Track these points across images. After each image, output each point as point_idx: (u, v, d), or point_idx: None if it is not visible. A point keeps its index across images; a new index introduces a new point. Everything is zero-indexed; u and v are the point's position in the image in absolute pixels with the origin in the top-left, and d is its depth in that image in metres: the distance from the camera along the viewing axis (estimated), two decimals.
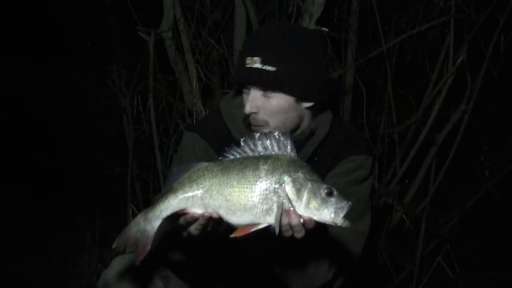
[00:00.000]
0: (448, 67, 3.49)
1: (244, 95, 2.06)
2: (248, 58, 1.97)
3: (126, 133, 4.15)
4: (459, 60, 3.42)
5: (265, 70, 1.94)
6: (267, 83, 1.96)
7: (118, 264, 2.20)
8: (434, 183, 3.79)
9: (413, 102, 3.74)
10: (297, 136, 2.13)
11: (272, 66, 1.94)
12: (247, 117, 2.02)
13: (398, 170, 3.71)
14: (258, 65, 1.95)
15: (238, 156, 1.66)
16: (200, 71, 3.74)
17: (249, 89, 2.01)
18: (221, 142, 2.10)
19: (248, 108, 1.99)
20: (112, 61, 4.08)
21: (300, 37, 2.03)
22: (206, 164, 1.67)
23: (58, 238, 4.71)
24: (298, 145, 2.12)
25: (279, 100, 1.99)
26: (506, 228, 4.04)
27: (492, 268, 3.99)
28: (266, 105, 2.00)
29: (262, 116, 2.01)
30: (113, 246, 1.69)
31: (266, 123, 2.02)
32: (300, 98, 2.05)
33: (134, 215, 3.72)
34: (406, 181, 3.83)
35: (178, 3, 3.66)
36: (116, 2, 4.51)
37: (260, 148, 1.65)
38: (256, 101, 1.99)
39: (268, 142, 1.65)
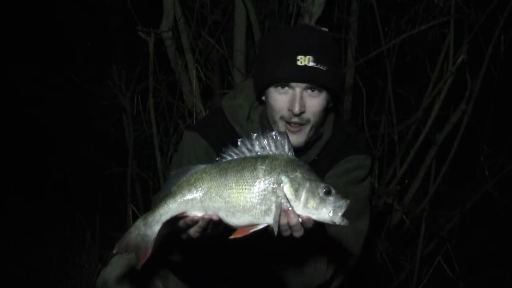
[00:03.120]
0: (448, 67, 3.49)
1: (278, 94, 2.06)
2: (300, 56, 1.99)
3: (126, 133, 4.14)
4: (459, 60, 3.42)
5: (318, 68, 1.99)
6: (319, 82, 2.01)
7: (117, 263, 2.21)
8: (434, 183, 3.79)
9: (413, 102, 3.74)
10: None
11: (324, 65, 2.00)
12: (296, 115, 2.03)
13: (398, 170, 3.71)
14: (312, 64, 1.99)
15: (235, 157, 1.66)
16: (200, 71, 3.73)
17: (291, 87, 2.02)
18: (222, 141, 2.10)
19: (298, 108, 2.00)
20: (112, 61, 4.08)
21: (330, 38, 2.13)
22: (203, 166, 1.67)
23: (58, 238, 4.71)
24: (305, 148, 2.14)
25: (322, 99, 2.06)
26: (506, 228, 4.03)
27: (492, 268, 3.98)
28: (311, 103, 2.04)
29: (307, 115, 2.04)
30: (114, 252, 1.70)
31: (309, 122, 2.06)
32: (334, 97, 2.13)
33: (134, 215, 3.77)
34: (406, 181, 3.83)
35: (178, 3, 3.66)
36: (116, 2, 4.51)
37: (257, 148, 1.65)
38: (304, 99, 2.02)
39: (265, 141, 1.65)
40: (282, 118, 2.07)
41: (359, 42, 3.73)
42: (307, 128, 2.08)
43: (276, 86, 2.05)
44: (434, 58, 3.64)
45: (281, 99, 2.05)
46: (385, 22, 3.62)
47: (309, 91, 2.02)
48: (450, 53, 3.48)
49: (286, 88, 2.03)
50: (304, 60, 1.98)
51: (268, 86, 2.08)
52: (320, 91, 2.03)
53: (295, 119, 2.04)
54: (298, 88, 2.01)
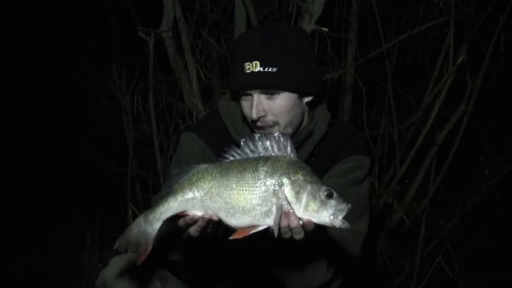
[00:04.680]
0: (448, 67, 3.49)
1: (243, 101, 2.06)
2: (247, 63, 1.97)
3: (126, 133, 4.15)
4: (459, 60, 3.42)
5: (267, 72, 1.96)
6: (271, 85, 1.97)
7: (116, 264, 2.21)
8: (434, 183, 3.79)
9: (413, 102, 3.74)
10: (296, 137, 2.13)
11: (273, 67, 1.95)
12: (254, 121, 2.02)
13: (398, 170, 3.71)
14: (259, 69, 1.96)
15: (238, 157, 1.65)
16: (200, 71, 3.74)
17: (250, 94, 2.01)
18: (220, 142, 2.11)
19: (255, 113, 1.98)
20: (112, 61, 4.08)
21: (288, 34, 2.07)
22: (205, 166, 1.66)
23: (58, 238, 4.72)
24: (296, 146, 2.13)
25: (284, 99, 2.01)
26: (506, 228, 4.03)
27: (492, 268, 3.98)
28: (272, 106, 2.01)
29: (270, 117, 2.02)
30: (115, 248, 1.70)
31: (276, 123, 2.04)
32: (302, 94, 2.07)
33: (134, 215, 3.77)
34: (406, 181, 3.83)
35: (178, 3, 3.66)
36: (116, 2, 4.52)
37: (260, 149, 1.64)
38: (262, 104, 2.00)
39: (268, 143, 1.64)
40: (252, 122, 2.07)
41: (359, 42, 3.73)
42: (276, 130, 2.03)
43: (240, 95, 2.06)
44: (434, 58, 3.64)
45: (245, 105, 2.06)
46: (385, 22, 3.61)
47: (267, 95, 2.00)
48: (450, 53, 3.49)
49: (247, 95, 2.03)
50: (251, 66, 1.96)
51: (236, 95, 2.11)
52: (277, 92, 2.00)
53: (258, 124, 2.03)
54: (254, 94, 1.99)
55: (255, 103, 1.99)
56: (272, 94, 1.99)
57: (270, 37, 2.01)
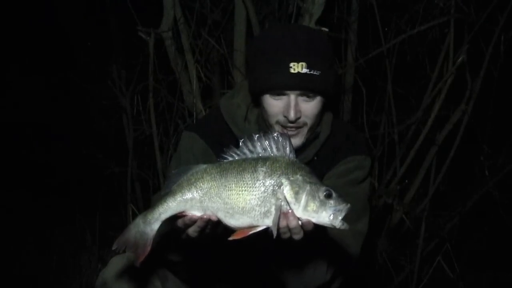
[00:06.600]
0: (448, 67, 3.49)
1: (273, 100, 2.05)
2: (293, 63, 1.96)
3: (126, 133, 4.14)
4: (459, 60, 3.42)
5: (312, 74, 1.96)
6: (314, 88, 1.99)
7: (116, 263, 2.21)
8: (434, 183, 3.78)
9: (413, 102, 3.74)
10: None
11: (318, 70, 1.97)
12: (292, 121, 2.02)
13: (398, 170, 3.71)
14: (305, 70, 1.96)
15: (237, 158, 1.65)
16: (200, 71, 3.73)
17: (285, 94, 2.01)
18: (220, 142, 2.11)
19: (293, 115, 1.99)
20: (112, 61, 4.08)
21: (324, 39, 2.10)
22: (204, 166, 1.66)
23: (58, 238, 4.71)
24: (302, 148, 2.14)
25: (318, 103, 2.05)
26: (506, 228, 4.03)
27: (492, 268, 3.98)
28: (307, 108, 2.03)
29: (302, 119, 2.04)
30: (113, 248, 1.70)
31: (306, 124, 2.07)
32: (329, 99, 2.11)
33: (134, 215, 3.76)
34: (406, 181, 3.82)
35: (178, 3, 3.65)
36: (116, 2, 4.51)
37: (259, 149, 1.64)
38: (299, 105, 2.01)
39: (267, 143, 1.64)
40: (277, 122, 2.07)
41: (359, 42, 3.72)
42: (305, 131, 2.08)
43: (271, 93, 2.04)
44: (434, 58, 3.64)
45: (276, 104, 2.04)
46: (385, 22, 3.61)
47: (304, 96, 2.01)
48: (450, 53, 3.48)
49: (282, 95, 2.02)
50: (297, 67, 1.96)
51: (262, 93, 2.08)
52: (314, 95, 2.02)
53: (291, 124, 2.04)
54: (292, 95, 1.99)
55: (293, 103, 2.00)
56: (310, 96, 2.01)
57: (313, 39, 2.03)
